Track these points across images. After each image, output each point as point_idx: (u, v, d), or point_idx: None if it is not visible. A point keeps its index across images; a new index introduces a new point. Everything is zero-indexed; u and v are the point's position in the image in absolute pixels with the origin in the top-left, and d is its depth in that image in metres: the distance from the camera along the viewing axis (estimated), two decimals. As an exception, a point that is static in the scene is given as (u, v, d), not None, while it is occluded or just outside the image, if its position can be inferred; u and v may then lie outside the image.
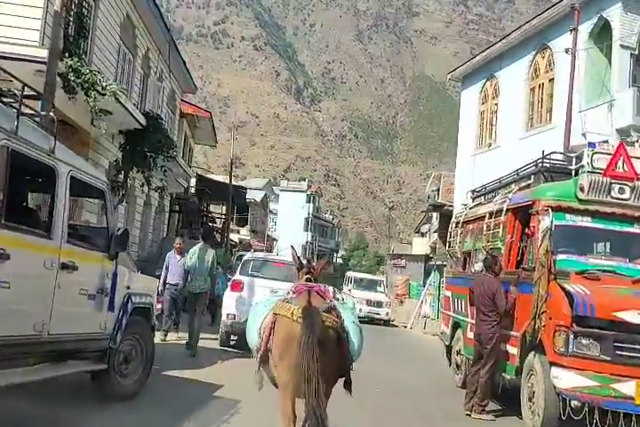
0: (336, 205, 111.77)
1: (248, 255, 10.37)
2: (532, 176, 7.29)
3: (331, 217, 69.18)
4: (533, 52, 15.15)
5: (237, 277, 9.42)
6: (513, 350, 6.33)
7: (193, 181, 20.12)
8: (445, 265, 19.67)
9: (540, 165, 7.20)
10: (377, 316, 20.26)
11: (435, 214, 26.30)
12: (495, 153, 16.44)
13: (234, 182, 26.11)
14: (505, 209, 7.14)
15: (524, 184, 7.37)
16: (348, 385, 3.87)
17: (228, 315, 8.91)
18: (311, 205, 61.72)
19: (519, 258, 6.86)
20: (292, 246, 4.99)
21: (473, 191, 9.38)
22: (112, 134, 10.62)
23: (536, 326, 5.68)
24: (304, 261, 4.47)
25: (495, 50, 16.68)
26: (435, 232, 24.41)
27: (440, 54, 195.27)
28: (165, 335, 9.08)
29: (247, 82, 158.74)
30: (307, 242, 58.61)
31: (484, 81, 17.55)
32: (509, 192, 7.52)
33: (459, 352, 8.27)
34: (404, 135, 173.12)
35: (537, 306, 5.67)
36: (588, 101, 12.59)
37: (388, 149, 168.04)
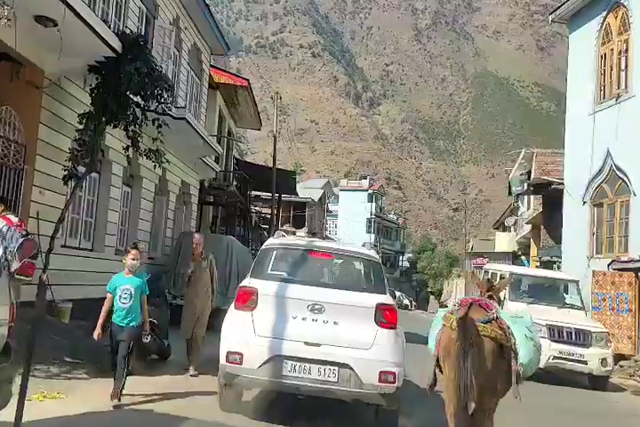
0: (399, 207, 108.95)
1: (270, 241, 5.73)
2: None
3: (395, 217, 64.71)
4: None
5: (248, 281, 5.09)
6: None
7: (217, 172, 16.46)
8: (555, 262, 15.23)
9: None
10: (574, 365, 9.41)
11: (527, 201, 21.59)
12: (629, 105, 11.92)
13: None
14: None
15: None
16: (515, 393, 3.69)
17: (228, 354, 4.82)
18: (373, 204, 57.47)
19: None
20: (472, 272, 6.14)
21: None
22: (82, 76, 7.18)
23: None
24: (485, 283, 4.85)
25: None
26: (528, 223, 19.77)
27: (503, 49, 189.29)
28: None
29: (306, 89, 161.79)
30: (370, 244, 54.47)
31: (605, 14, 13.07)
32: None
33: None
34: (467, 134, 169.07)
35: None
36: None
37: (451, 149, 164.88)
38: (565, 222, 14.19)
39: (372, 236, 55.20)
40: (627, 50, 12.49)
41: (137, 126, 7.39)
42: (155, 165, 7.90)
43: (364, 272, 5.56)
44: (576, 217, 13.63)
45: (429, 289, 48.74)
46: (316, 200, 40.02)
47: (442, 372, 3.94)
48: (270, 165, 20.90)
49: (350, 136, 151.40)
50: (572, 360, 9.33)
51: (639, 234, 11.46)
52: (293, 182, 19.91)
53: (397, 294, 37.94)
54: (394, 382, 4.67)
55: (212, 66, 15.25)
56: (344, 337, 4.71)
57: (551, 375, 9.26)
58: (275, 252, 5.50)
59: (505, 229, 28.62)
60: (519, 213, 24.29)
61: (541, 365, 8.11)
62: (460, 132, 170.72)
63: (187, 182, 13.33)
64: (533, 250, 19.49)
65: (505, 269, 11.85)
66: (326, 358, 4.65)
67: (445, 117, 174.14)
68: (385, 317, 4.85)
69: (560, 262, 14.50)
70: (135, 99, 7.37)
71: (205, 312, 6.72)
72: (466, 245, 32.40)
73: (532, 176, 18.00)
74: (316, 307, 4.78)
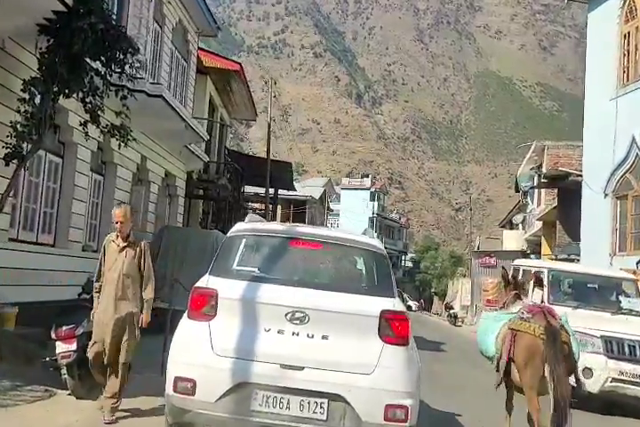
0: (401, 207, 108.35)
1: (238, 226, 4.25)
2: None
3: (397, 216, 63.40)
4: None
5: (206, 280, 3.75)
6: None
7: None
8: (573, 260, 14.05)
9: None
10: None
11: (538, 197, 20.43)
12: (657, 87, 10.78)
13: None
14: None
15: None
16: (577, 381, 4.84)
17: (177, 382, 3.49)
18: (376, 203, 56.16)
19: None
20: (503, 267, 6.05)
21: None
22: (33, 39, 6.05)
23: None
24: (510, 279, 5.45)
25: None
26: (539, 220, 18.60)
27: (505, 49, 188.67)
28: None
29: (308, 89, 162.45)
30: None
31: (628, -12, 11.90)
32: None
33: None
34: (470, 134, 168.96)
35: None
36: None
37: (453, 148, 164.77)
38: (584, 217, 13.04)
39: (375, 235, 53.78)
40: (654, 26, 11.36)
41: (96, 98, 6.25)
42: (119, 144, 6.74)
43: (364, 268, 4.16)
44: (596, 211, 12.48)
45: (433, 289, 47.56)
46: (317, 198, 38.94)
47: (506, 374, 4.69)
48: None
49: (352, 136, 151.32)
50: (638, 384, 6.90)
51: (671, 228, 10.27)
52: (290, 175, 18.56)
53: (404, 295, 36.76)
54: (405, 421, 3.42)
55: (201, 48, 14.13)
56: (336, 357, 3.46)
57: (608, 403, 6.98)
58: (244, 240, 4.02)
59: (512, 227, 27.45)
60: (528, 210, 23.13)
61: (595, 389, 6.72)
62: (462, 132, 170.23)
63: (171, 173, 12.19)
64: (545, 248, 18.35)
65: (540, 264, 9.52)
66: (311, 388, 3.39)
67: (447, 117, 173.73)
68: (393, 329, 3.55)
69: (578, 261, 13.30)
70: (94, 65, 6.25)
71: (128, 323, 4.50)
72: (471, 244, 31.18)
73: (545, 170, 16.84)
74: (298, 315, 3.50)
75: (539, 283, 7.91)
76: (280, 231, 4.13)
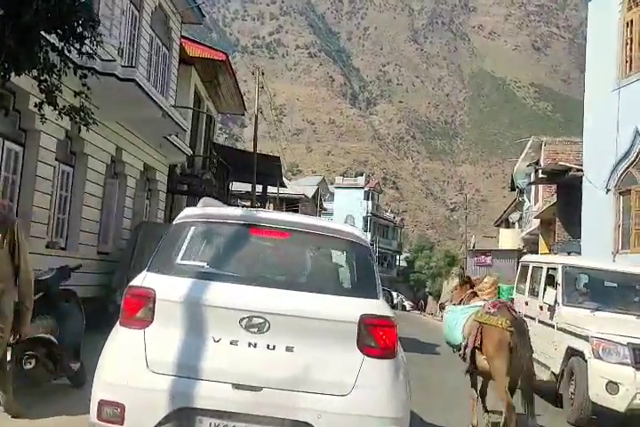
0: (395, 207, 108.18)
1: (187, 212, 3.49)
2: None
3: (392, 215, 62.90)
4: None
5: (142, 277, 2.99)
6: None
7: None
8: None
9: None
10: None
11: (535, 194, 19.90)
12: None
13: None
14: None
15: None
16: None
17: (102, 407, 2.71)
18: (370, 202, 55.59)
19: None
20: (461, 267, 5.10)
21: None
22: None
23: None
24: (466, 278, 6.27)
25: None
26: (536, 217, 18.07)
27: (500, 49, 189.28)
28: None
29: (302, 89, 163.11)
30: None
31: (631, -28, 11.34)
32: None
33: None
34: (464, 134, 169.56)
35: None
36: None
37: (448, 149, 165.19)
38: (585, 214, 12.47)
39: (369, 234, 53.47)
40: (659, 12, 10.81)
41: (52, 76, 5.60)
42: (79, 128, 6.11)
43: (342, 262, 3.49)
44: (598, 207, 11.91)
45: (427, 289, 47.01)
46: (310, 197, 38.36)
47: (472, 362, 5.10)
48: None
49: (347, 136, 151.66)
50: None
51: (678, 224, 9.72)
52: (278, 170, 17.83)
53: (395, 295, 36.18)
54: None
55: (185, 37, 13.48)
56: (303, 375, 2.78)
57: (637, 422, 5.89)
58: (192, 229, 3.27)
59: (508, 226, 26.93)
60: (525, 208, 22.62)
61: (622, 407, 5.57)
62: (456, 132, 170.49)
63: (151, 166, 11.52)
64: (542, 246, 17.83)
65: (553, 260, 8.03)
66: (272, 414, 2.71)
67: (442, 117, 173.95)
68: (376, 338, 2.88)
69: (578, 259, 12.75)
70: (51, 40, 5.60)
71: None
72: (466, 243, 30.61)
73: (542, 165, 16.30)
74: (256, 322, 2.81)
75: (551, 281, 7.03)
76: (238, 217, 3.33)
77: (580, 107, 13.49)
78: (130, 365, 2.79)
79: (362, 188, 55.97)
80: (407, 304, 38.85)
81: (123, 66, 7.88)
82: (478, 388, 5.30)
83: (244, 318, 2.80)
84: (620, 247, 11.37)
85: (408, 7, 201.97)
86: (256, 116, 18.41)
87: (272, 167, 16.89)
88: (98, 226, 9.44)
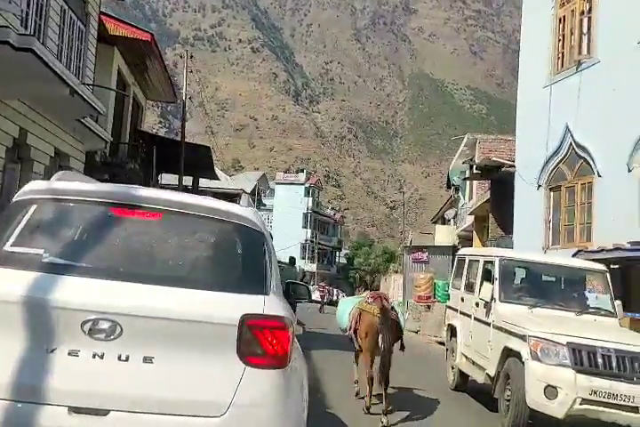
0: (337, 205, 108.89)
1: (30, 187, 2.68)
2: None
3: (332, 212, 63.00)
4: None
5: None
6: None
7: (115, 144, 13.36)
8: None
9: None
10: (618, 414, 5.10)
11: (469, 191, 20.10)
12: (592, 73, 10.31)
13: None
14: None
15: None
16: (402, 347, 6.39)
17: None
18: (310, 199, 55.41)
19: None
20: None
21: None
22: None
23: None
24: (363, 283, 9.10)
25: None
26: (470, 214, 18.22)
27: (438, 52, 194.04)
28: None
29: (245, 85, 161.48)
30: (306, 240, 52.50)
31: (564, -30, 11.44)
32: None
33: None
34: (404, 134, 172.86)
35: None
36: None
37: (388, 148, 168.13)
38: (517, 210, 12.59)
39: (309, 231, 53.24)
40: (590, 9, 10.96)
41: None
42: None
43: (223, 250, 2.70)
44: (529, 203, 12.03)
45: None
46: (249, 192, 37.51)
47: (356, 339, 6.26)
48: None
49: (289, 133, 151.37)
50: (615, 406, 5.09)
51: (605, 220, 9.84)
52: (210, 161, 16.89)
53: (335, 291, 35.95)
54: None
55: (105, 13, 12.41)
56: (165, 393, 2.21)
57: None
58: (33, 208, 2.57)
59: (445, 222, 27.27)
60: (460, 205, 22.88)
61: (560, 413, 5.06)
62: (396, 131, 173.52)
63: (64, 152, 10.48)
64: (476, 242, 18.05)
65: (489, 253, 7.52)
66: None
67: (383, 117, 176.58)
68: (262, 343, 2.33)
69: (510, 255, 12.80)
70: None
71: None
72: (404, 239, 30.85)
73: (477, 162, 16.37)
74: (104, 326, 2.22)
75: (487, 276, 6.58)
76: (96, 194, 2.62)
77: (513, 110, 13.57)
78: None
79: (302, 184, 55.68)
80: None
81: (19, 34, 6.92)
82: (368, 361, 6.22)
83: (88, 322, 2.19)
84: (550, 243, 11.48)
85: (351, 6, 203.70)
86: (183, 102, 17.51)
87: (203, 157, 15.98)
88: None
